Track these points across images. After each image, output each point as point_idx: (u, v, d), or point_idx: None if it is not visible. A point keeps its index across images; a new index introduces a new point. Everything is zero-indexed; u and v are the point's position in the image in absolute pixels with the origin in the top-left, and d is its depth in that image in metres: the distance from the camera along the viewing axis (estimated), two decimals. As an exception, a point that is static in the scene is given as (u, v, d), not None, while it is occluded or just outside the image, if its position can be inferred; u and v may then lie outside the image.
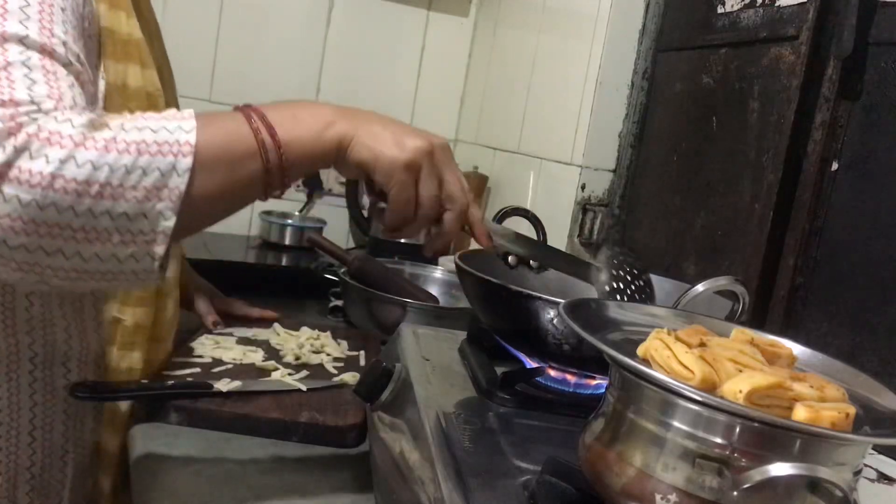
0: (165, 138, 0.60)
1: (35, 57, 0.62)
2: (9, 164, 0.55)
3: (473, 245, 1.51)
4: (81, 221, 0.57)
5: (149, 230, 0.60)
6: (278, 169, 0.66)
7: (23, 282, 0.61)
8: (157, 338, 1.00)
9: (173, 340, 1.04)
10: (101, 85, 0.78)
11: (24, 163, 0.55)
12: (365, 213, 1.79)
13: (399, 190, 0.68)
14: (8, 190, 0.55)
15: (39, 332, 0.81)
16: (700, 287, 0.75)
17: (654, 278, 0.96)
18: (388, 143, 0.68)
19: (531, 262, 0.91)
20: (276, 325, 1.17)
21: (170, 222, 0.60)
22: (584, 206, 1.38)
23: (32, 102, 0.58)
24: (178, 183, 0.60)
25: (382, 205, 0.72)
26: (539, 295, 0.73)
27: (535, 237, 1.03)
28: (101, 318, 0.87)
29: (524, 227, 1.19)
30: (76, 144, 0.57)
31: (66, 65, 0.65)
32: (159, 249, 0.61)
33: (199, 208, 0.62)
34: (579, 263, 0.83)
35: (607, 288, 0.81)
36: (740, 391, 0.47)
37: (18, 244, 0.57)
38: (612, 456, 0.51)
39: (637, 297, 0.82)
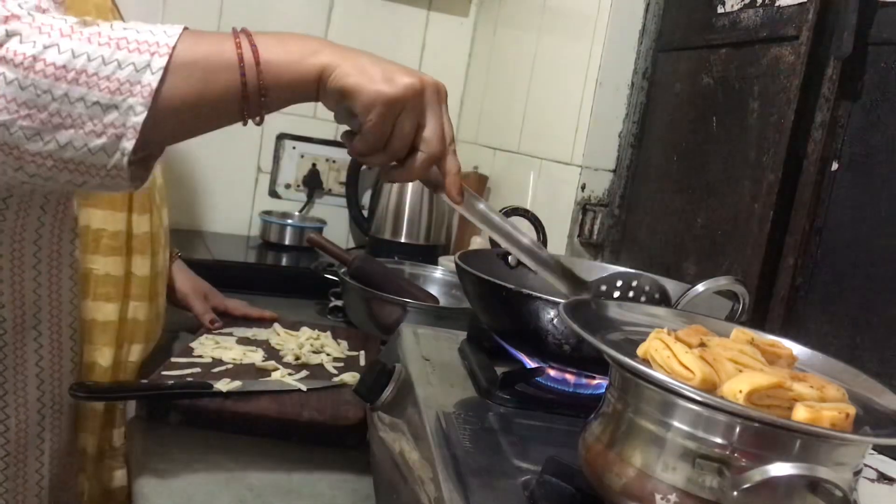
0: (146, 38, 0.62)
1: None
2: (0, 44, 0.59)
3: (473, 245, 1.51)
4: (57, 105, 0.60)
5: (119, 123, 0.61)
6: (255, 86, 0.65)
7: (4, 166, 0.63)
8: (149, 336, 1.00)
9: (160, 339, 1.05)
10: None
11: (12, 44, 0.59)
12: (365, 212, 1.79)
13: (375, 123, 0.67)
14: None
15: (8, 297, 0.81)
16: (700, 287, 0.75)
17: (654, 278, 0.96)
18: (376, 76, 0.67)
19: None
20: (276, 325, 1.17)
21: (139, 117, 0.61)
22: (584, 207, 1.38)
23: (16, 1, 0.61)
24: (151, 80, 0.61)
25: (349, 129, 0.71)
26: (539, 295, 0.73)
27: (535, 237, 1.03)
28: (77, 268, 0.87)
29: (524, 228, 1.19)
30: (63, 34, 0.60)
31: None
32: (128, 144, 0.62)
33: (170, 110, 0.63)
34: (561, 270, 0.78)
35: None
36: (740, 391, 0.47)
37: (1, 122, 0.60)
38: (612, 456, 0.51)
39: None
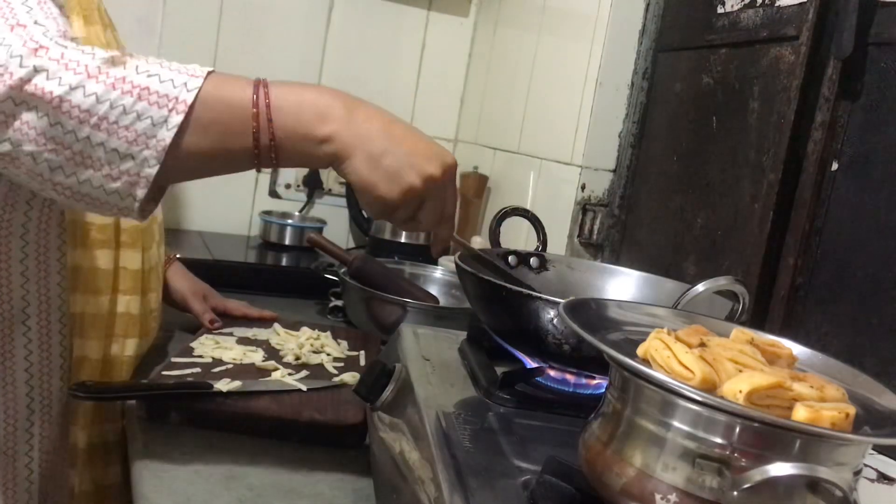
0: (167, 91, 0.64)
1: None
2: (28, 79, 0.61)
3: (473, 245, 1.51)
4: (81, 146, 0.63)
5: (134, 172, 0.65)
6: (267, 155, 0.68)
7: (30, 185, 0.67)
8: (143, 331, 1.00)
9: (158, 337, 1.05)
10: None
11: (40, 80, 0.62)
12: (365, 213, 1.79)
13: (376, 215, 0.73)
14: (29, 101, 0.62)
15: None
16: (700, 287, 0.75)
17: (654, 278, 0.96)
18: (381, 176, 0.69)
19: (531, 260, 0.91)
20: (276, 325, 1.17)
21: (153, 170, 0.65)
22: (584, 206, 1.38)
23: (36, 23, 0.65)
24: (166, 136, 0.64)
25: None
26: (539, 295, 0.73)
27: (535, 237, 1.03)
28: (65, 262, 0.89)
29: (524, 227, 1.19)
30: (89, 76, 0.62)
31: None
32: (140, 192, 0.66)
33: (183, 163, 0.66)
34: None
35: None
36: (740, 391, 0.47)
37: (28, 151, 0.63)
38: (612, 456, 0.51)
39: None
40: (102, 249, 0.93)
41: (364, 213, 0.78)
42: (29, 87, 0.61)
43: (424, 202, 0.72)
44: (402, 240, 1.70)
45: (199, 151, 0.66)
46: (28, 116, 0.62)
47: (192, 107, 0.64)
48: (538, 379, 0.78)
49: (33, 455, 0.88)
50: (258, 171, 0.71)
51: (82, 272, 0.91)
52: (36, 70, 0.62)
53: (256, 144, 0.67)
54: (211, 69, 0.68)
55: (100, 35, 0.91)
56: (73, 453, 0.94)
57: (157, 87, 0.64)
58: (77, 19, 0.88)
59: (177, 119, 0.64)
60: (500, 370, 0.76)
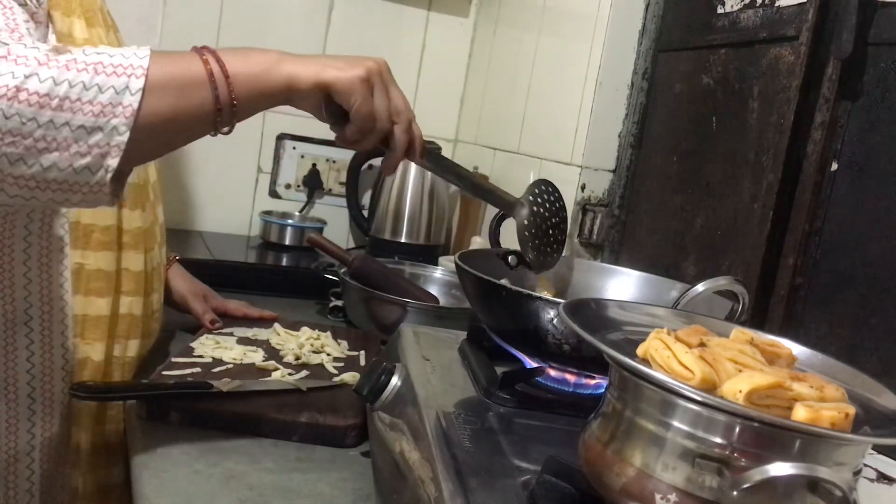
0: (120, 62, 0.65)
1: None
2: None
3: (473, 245, 1.52)
4: (42, 131, 0.63)
5: (104, 143, 0.65)
6: (227, 99, 0.70)
7: None
8: (145, 332, 1.01)
9: (159, 337, 1.05)
10: (51, 34, 0.85)
11: None
12: (365, 212, 1.79)
13: (360, 104, 0.75)
14: None
15: None
16: (700, 287, 0.75)
17: (654, 278, 0.96)
18: (341, 65, 0.74)
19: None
20: (276, 325, 1.17)
21: (123, 137, 0.65)
22: (584, 207, 1.38)
23: None
24: (132, 101, 0.65)
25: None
26: (539, 295, 0.73)
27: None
28: (67, 264, 0.89)
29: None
30: (40, 63, 0.63)
31: (22, 4, 0.73)
32: (112, 162, 0.66)
33: (150, 128, 0.67)
34: (505, 199, 0.92)
35: (525, 222, 0.91)
36: (740, 391, 0.47)
37: None
38: (612, 456, 0.51)
39: (550, 234, 0.93)
40: (105, 251, 0.93)
41: (345, 134, 0.80)
42: None
43: (387, 83, 0.77)
44: (403, 240, 1.70)
45: (163, 112, 0.67)
46: None
47: (148, 69, 0.65)
48: (538, 379, 0.78)
49: (35, 456, 0.88)
50: (217, 129, 0.72)
51: (85, 274, 0.92)
52: None
53: (215, 90, 0.69)
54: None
55: (102, 37, 0.92)
56: (76, 454, 0.94)
57: (109, 60, 0.65)
58: (79, 21, 0.89)
59: (138, 83, 0.65)
60: (500, 370, 0.76)
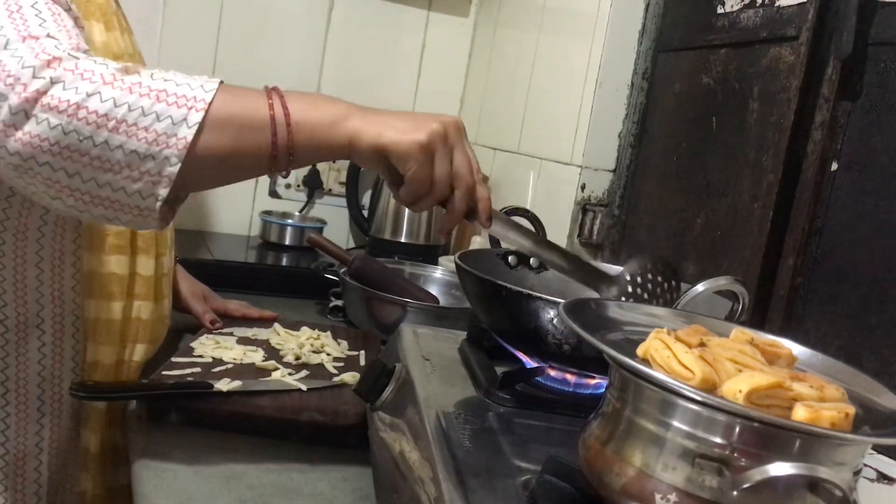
0: (185, 92, 0.65)
1: (41, 1, 0.70)
2: (45, 91, 0.62)
3: (473, 245, 1.51)
4: (98, 151, 0.64)
5: (155, 171, 0.65)
6: (285, 146, 0.69)
7: (44, 195, 0.67)
8: (153, 337, 1.01)
9: (166, 339, 1.05)
10: None
11: (57, 91, 0.63)
12: (365, 212, 1.79)
13: (417, 171, 0.70)
14: (41, 114, 0.62)
15: (11, 296, 0.83)
16: (700, 287, 0.75)
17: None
18: (405, 128, 0.70)
19: (531, 260, 0.91)
20: (276, 325, 1.17)
21: (174, 168, 0.65)
22: (584, 206, 1.38)
23: (49, 36, 0.65)
24: (187, 134, 0.65)
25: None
26: (539, 295, 0.73)
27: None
28: (80, 267, 0.89)
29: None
30: (105, 82, 0.63)
31: (66, 10, 0.73)
32: (162, 191, 0.66)
33: (203, 163, 0.67)
34: (588, 269, 0.80)
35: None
36: (740, 391, 0.47)
37: (45, 161, 0.64)
38: (612, 456, 0.51)
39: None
40: (118, 255, 0.93)
41: (399, 196, 0.74)
42: (45, 99, 0.62)
43: (454, 146, 0.72)
44: (403, 240, 1.70)
45: (218, 149, 0.67)
46: (39, 128, 0.62)
47: (210, 104, 0.65)
48: (538, 379, 0.78)
49: (42, 458, 0.88)
50: (271, 173, 0.70)
51: (97, 277, 0.91)
52: (52, 82, 0.62)
53: (274, 134, 0.68)
54: (221, 80, 0.69)
55: (118, 40, 0.92)
56: (85, 457, 0.94)
57: (174, 89, 0.65)
58: (97, 25, 0.89)
59: (197, 117, 0.64)
60: (500, 370, 0.76)
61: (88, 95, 0.62)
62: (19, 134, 0.62)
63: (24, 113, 0.62)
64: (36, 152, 0.63)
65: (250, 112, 0.68)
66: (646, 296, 0.79)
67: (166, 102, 0.64)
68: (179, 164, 0.65)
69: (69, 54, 0.64)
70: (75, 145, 0.63)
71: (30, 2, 0.69)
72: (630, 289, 0.78)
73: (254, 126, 0.68)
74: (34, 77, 0.62)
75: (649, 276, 0.79)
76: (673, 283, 0.80)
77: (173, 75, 0.67)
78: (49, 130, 0.62)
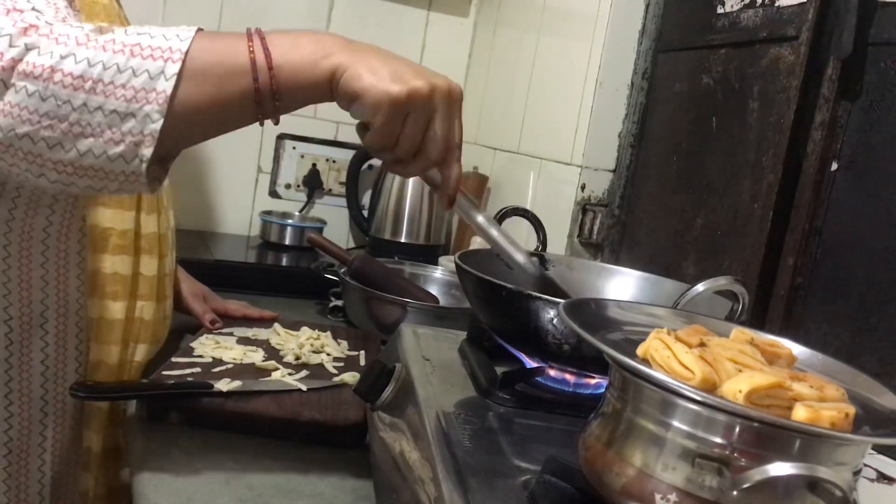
0: (160, 44, 0.63)
1: None
2: (20, 58, 0.60)
3: (473, 245, 1.51)
4: (77, 115, 0.61)
5: (137, 131, 0.62)
6: (268, 90, 0.66)
7: (27, 173, 0.65)
8: (155, 337, 1.01)
9: (166, 340, 1.05)
10: None
11: (32, 57, 0.61)
12: (365, 212, 1.79)
13: (382, 123, 0.66)
14: (18, 81, 0.60)
15: (16, 296, 0.83)
16: (700, 287, 0.75)
17: (654, 278, 0.96)
18: (383, 76, 0.65)
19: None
20: (276, 325, 1.17)
21: (157, 125, 0.62)
22: (584, 206, 1.38)
23: (34, 10, 0.63)
24: (165, 87, 0.62)
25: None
26: (539, 295, 0.73)
27: (535, 237, 1.03)
28: (84, 267, 0.89)
29: (524, 227, 1.19)
30: (78, 43, 0.61)
31: None
32: (146, 151, 0.63)
33: (186, 116, 0.64)
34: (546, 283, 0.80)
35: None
36: (740, 391, 0.47)
37: (24, 133, 0.62)
38: (612, 456, 0.51)
39: None
40: (122, 255, 0.93)
41: (366, 144, 0.69)
42: (21, 66, 0.60)
43: (432, 115, 0.67)
44: (403, 240, 1.70)
45: (200, 100, 0.64)
46: (18, 97, 0.60)
47: (186, 53, 0.63)
48: (538, 379, 0.78)
49: (45, 458, 0.88)
50: (261, 120, 0.67)
51: (101, 277, 0.91)
52: (27, 48, 0.61)
53: (255, 78, 0.65)
54: (199, 27, 0.66)
55: None
56: (88, 457, 0.94)
57: (148, 42, 0.63)
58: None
59: (174, 68, 0.62)
60: (500, 370, 0.76)
61: (62, 58, 0.60)
62: (1, 105, 0.61)
63: (2, 83, 0.60)
64: (15, 123, 0.61)
65: (230, 58, 0.65)
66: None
67: (141, 56, 0.62)
68: (161, 120, 0.62)
69: (46, 22, 0.63)
70: (54, 111, 0.61)
71: None
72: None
73: (235, 72, 0.65)
74: (10, 45, 0.60)
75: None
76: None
77: (149, 28, 0.64)
78: (27, 98, 0.60)
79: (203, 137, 0.70)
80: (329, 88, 0.67)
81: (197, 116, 0.65)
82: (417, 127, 0.67)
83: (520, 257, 0.78)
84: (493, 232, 0.77)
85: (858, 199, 0.92)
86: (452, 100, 0.68)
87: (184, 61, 0.62)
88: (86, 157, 0.63)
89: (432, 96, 0.66)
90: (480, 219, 0.76)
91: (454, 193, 0.72)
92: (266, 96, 0.66)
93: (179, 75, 0.62)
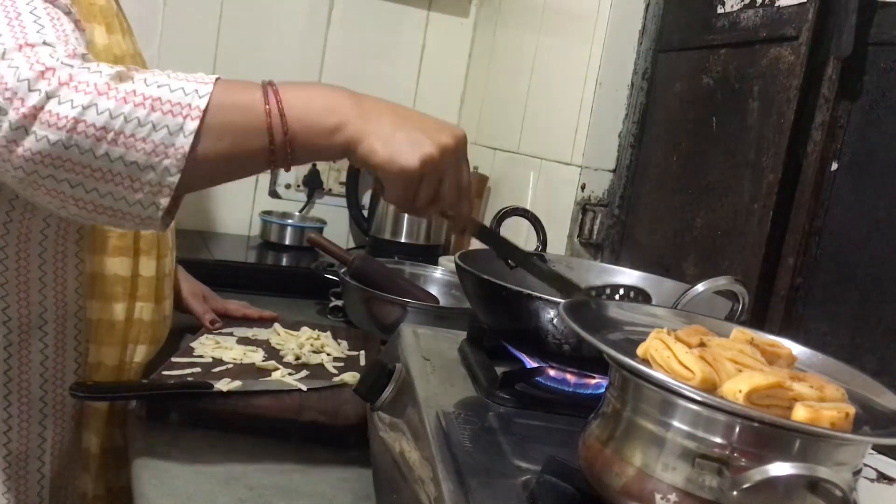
0: (179, 99, 0.65)
1: (40, 5, 0.69)
2: (41, 106, 0.62)
3: (474, 245, 1.51)
4: (100, 163, 0.64)
5: (155, 182, 0.65)
6: (283, 151, 0.69)
7: (49, 205, 0.68)
8: (155, 338, 1.01)
9: (166, 340, 1.05)
10: None
11: (52, 106, 0.62)
12: (365, 212, 1.79)
13: (399, 195, 0.72)
14: (39, 130, 0.62)
15: (14, 297, 0.83)
16: (700, 287, 0.75)
17: (654, 278, 0.96)
18: (396, 149, 0.69)
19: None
20: (276, 325, 1.17)
21: (174, 178, 0.65)
22: (584, 206, 1.38)
23: (45, 44, 0.65)
24: (184, 143, 0.64)
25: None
26: (539, 295, 0.73)
27: (535, 237, 1.03)
28: (83, 269, 0.89)
29: (524, 227, 1.19)
30: (99, 93, 0.63)
31: (66, 13, 0.72)
32: (163, 201, 0.66)
33: (202, 169, 0.67)
34: (567, 285, 0.83)
35: None
36: (740, 391, 0.47)
37: (48, 175, 0.64)
38: (612, 456, 0.51)
39: None
40: (120, 256, 0.93)
41: (386, 200, 0.75)
42: (43, 115, 0.62)
43: (443, 175, 0.72)
44: (403, 240, 1.70)
45: (216, 156, 0.67)
46: (40, 145, 0.62)
47: (205, 111, 0.65)
48: (538, 379, 0.78)
49: (45, 459, 0.88)
50: (274, 170, 0.71)
51: (100, 279, 0.92)
52: (48, 96, 0.62)
53: (272, 141, 0.68)
54: (217, 76, 0.68)
55: (120, 43, 0.92)
56: (87, 458, 0.94)
57: (168, 96, 0.65)
58: (99, 27, 0.89)
59: (192, 125, 0.64)
60: (500, 370, 0.76)
61: (84, 108, 0.62)
62: (20, 150, 0.62)
63: (23, 129, 0.62)
64: (38, 167, 0.63)
65: (246, 118, 0.68)
66: None
67: (161, 111, 0.64)
68: (179, 175, 0.65)
69: (62, 63, 0.64)
70: (77, 158, 0.63)
71: (29, 7, 0.68)
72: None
73: (251, 132, 0.68)
74: (30, 90, 0.62)
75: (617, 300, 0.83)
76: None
77: (167, 79, 0.66)
78: (49, 146, 0.62)
79: (214, 185, 0.74)
80: (342, 154, 0.71)
81: (211, 169, 0.68)
82: (432, 187, 0.73)
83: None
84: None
85: (858, 199, 0.92)
86: (460, 153, 0.74)
87: (202, 119, 0.65)
88: (105, 199, 0.66)
89: (443, 158, 0.71)
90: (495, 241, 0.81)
91: (465, 227, 0.79)
92: (280, 155, 0.69)
93: (198, 133, 0.65)
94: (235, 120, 0.67)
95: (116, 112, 0.63)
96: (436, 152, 0.70)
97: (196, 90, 0.65)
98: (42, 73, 0.63)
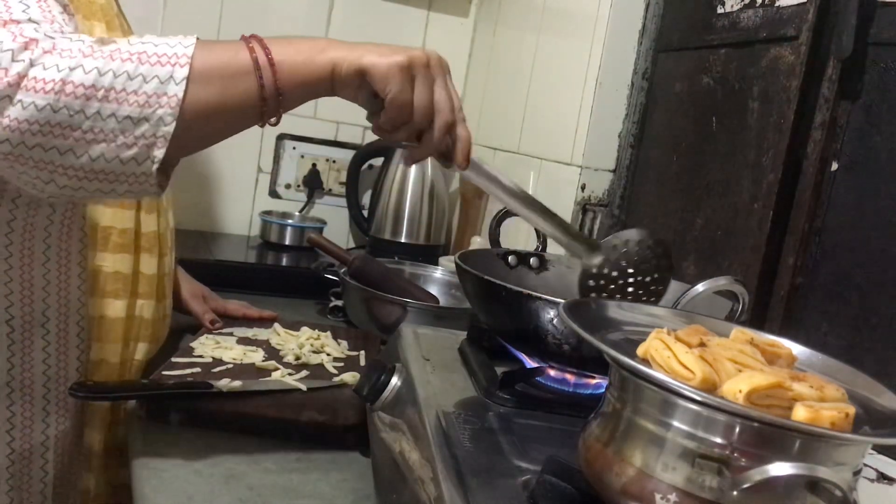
0: (164, 51, 0.65)
1: None
2: (24, 73, 0.61)
3: (473, 245, 1.51)
4: (90, 123, 0.63)
5: (150, 134, 0.65)
6: (272, 87, 0.69)
7: (35, 181, 0.66)
8: (155, 336, 1.01)
9: (166, 339, 1.05)
10: None
11: (37, 72, 0.62)
12: (365, 212, 1.79)
13: (396, 92, 0.70)
14: (24, 97, 0.61)
15: (17, 295, 0.83)
16: (700, 287, 0.75)
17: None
18: (384, 51, 0.71)
19: (531, 260, 0.90)
20: (276, 325, 1.17)
21: (169, 127, 0.65)
22: (584, 207, 1.38)
23: (30, 20, 0.65)
24: (177, 90, 0.64)
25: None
26: (539, 295, 0.73)
27: (535, 238, 1.03)
28: (86, 265, 0.89)
29: (524, 227, 1.19)
30: (84, 55, 0.63)
31: None
32: (158, 153, 0.65)
33: (195, 118, 0.66)
34: (573, 234, 0.81)
35: (593, 270, 0.79)
36: (740, 391, 0.47)
37: (35, 143, 0.63)
38: (612, 456, 0.51)
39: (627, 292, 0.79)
40: (123, 254, 0.94)
41: (378, 122, 0.73)
42: (27, 82, 0.61)
43: (434, 77, 0.72)
44: (403, 240, 1.70)
45: (208, 102, 0.67)
46: (25, 112, 0.62)
47: (192, 58, 0.65)
48: (538, 379, 0.78)
49: (48, 457, 0.88)
50: (263, 120, 0.71)
51: (101, 275, 0.92)
52: (31, 64, 0.62)
53: (260, 78, 0.68)
54: (196, 36, 0.69)
55: None
56: (90, 456, 0.94)
57: (153, 49, 0.65)
58: (99, 25, 0.89)
59: (183, 72, 0.64)
60: (500, 370, 0.76)
61: (71, 70, 0.62)
62: (6, 121, 0.62)
63: (7, 98, 0.61)
64: (25, 137, 0.62)
65: (233, 60, 0.68)
66: (630, 270, 0.80)
67: (149, 63, 0.64)
68: (174, 123, 0.65)
69: (45, 35, 0.64)
70: (66, 121, 0.62)
71: None
72: (614, 258, 0.80)
73: (239, 72, 0.68)
74: (13, 60, 0.61)
75: (638, 250, 0.80)
76: (663, 263, 0.81)
77: (149, 38, 0.67)
78: (37, 112, 0.62)
79: (207, 142, 0.73)
80: (330, 80, 0.71)
81: (205, 118, 0.68)
82: (427, 88, 0.72)
83: (538, 202, 0.79)
84: (505, 182, 0.78)
85: (858, 199, 0.92)
86: (444, 65, 0.74)
87: (191, 65, 0.65)
88: (97, 162, 0.65)
89: (429, 62, 0.72)
90: (493, 173, 0.78)
91: (469, 150, 0.75)
92: (270, 94, 0.69)
93: (188, 78, 0.65)
94: (222, 63, 0.68)
95: (105, 69, 0.63)
96: (422, 54, 0.72)
97: (180, 42, 0.66)
98: (25, 44, 0.62)
